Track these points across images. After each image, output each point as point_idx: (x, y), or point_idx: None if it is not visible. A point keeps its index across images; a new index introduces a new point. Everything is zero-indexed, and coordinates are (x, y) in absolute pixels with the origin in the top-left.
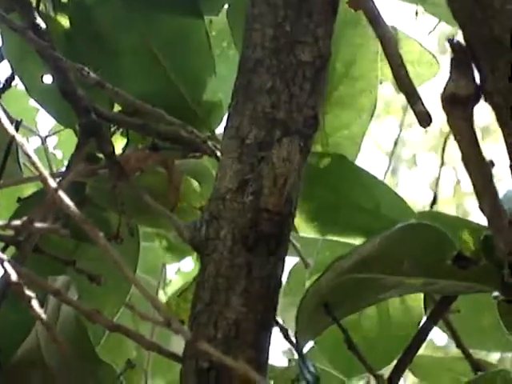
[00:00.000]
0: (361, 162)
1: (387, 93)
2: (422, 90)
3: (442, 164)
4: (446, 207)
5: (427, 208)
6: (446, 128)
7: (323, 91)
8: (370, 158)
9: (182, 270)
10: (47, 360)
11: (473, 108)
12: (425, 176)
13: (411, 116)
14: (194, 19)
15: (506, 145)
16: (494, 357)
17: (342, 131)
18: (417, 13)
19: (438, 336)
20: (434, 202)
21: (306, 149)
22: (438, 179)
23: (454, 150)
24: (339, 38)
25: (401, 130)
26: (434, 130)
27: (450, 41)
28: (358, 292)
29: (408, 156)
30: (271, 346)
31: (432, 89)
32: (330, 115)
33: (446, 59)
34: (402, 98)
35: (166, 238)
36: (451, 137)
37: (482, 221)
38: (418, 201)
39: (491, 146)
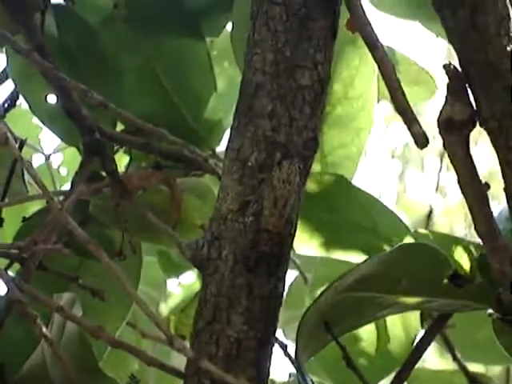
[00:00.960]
0: (370, 166)
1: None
2: (422, 108)
3: (442, 169)
4: (455, 213)
5: (435, 213)
6: None
7: (322, 114)
8: (380, 163)
9: (182, 283)
10: (53, 376)
11: (469, 133)
12: (433, 180)
13: (420, 121)
14: (195, 40)
15: (501, 168)
16: (495, 369)
17: (340, 151)
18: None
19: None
20: (431, 213)
21: (305, 171)
22: (443, 188)
23: None
24: (338, 58)
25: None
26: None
27: (446, 66)
28: (356, 310)
29: (416, 160)
30: (272, 361)
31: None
32: (328, 135)
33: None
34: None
35: (167, 253)
36: None
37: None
38: (426, 205)
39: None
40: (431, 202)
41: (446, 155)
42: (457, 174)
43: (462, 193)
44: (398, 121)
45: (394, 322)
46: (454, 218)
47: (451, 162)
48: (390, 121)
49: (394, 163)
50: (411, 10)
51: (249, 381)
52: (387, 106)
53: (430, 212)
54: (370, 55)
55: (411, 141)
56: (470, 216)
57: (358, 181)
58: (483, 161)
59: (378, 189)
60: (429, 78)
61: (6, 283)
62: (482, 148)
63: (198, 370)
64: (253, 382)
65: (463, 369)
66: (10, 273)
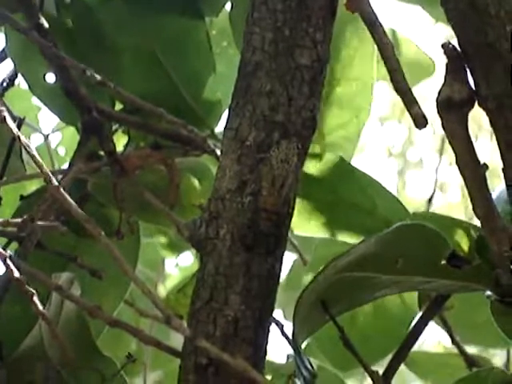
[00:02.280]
0: (369, 163)
1: (395, 95)
2: (418, 90)
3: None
4: (455, 209)
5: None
6: None
7: (321, 94)
8: (378, 160)
9: (180, 265)
10: (50, 354)
11: (467, 112)
12: (433, 177)
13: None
14: (194, 20)
15: (500, 149)
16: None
17: (339, 131)
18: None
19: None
20: (430, 201)
21: (303, 150)
22: (442, 185)
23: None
24: (337, 39)
25: (409, 132)
26: (442, 131)
27: (445, 46)
28: (353, 290)
29: (415, 157)
30: (269, 341)
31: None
32: (327, 115)
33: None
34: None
35: (165, 233)
36: None
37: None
38: (424, 201)
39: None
40: (429, 197)
41: (445, 151)
42: (455, 154)
43: (461, 173)
44: (394, 119)
45: (391, 303)
46: (454, 214)
47: (450, 142)
48: (388, 119)
49: (393, 161)
50: None
51: (246, 360)
52: (383, 107)
53: (430, 200)
54: (369, 36)
55: (410, 138)
56: (470, 212)
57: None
58: (484, 156)
59: None
60: (428, 60)
61: (3, 261)
62: (482, 143)
63: (195, 349)
64: (250, 361)
65: (461, 351)
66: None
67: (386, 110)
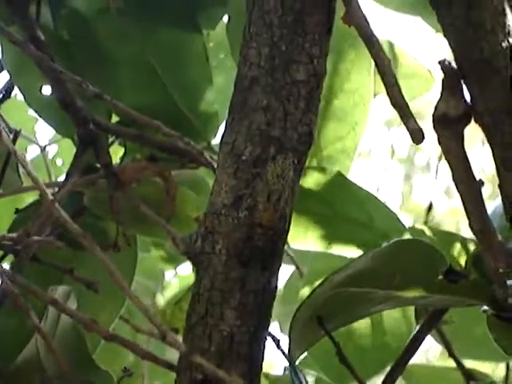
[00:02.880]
0: (375, 168)
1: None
2: (416, 104)
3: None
4: (458, 215)
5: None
6: None
7: (317, 109)
8: (385, 165)
9: (179, 274)
10: (46, 367)
11: (463, 128)
12: (439, 182)
13: (424, 123)
14: (191, 32)
15: (496, 164)
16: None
17: (336, 144)
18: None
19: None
20: (430, 209)
21: (299, 165)
22: (449, 189)
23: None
24: (334, 52)
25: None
26: None
27: (441, 62)
28: (350, 305)
29: (422, 162)
30: (266, 354)
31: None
32: (324, 129)
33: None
34: (415, 105)
35: (162, 246)
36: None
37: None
38: (431, 207)
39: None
40: (432, 201)
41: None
42: (451, 170)
43: (457, 189)
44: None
45: (389, 316)
46: (459, 218)
47: (445, 158)
48: (394, 123)
49: (399, 166)
50: (412, 4)
51: (241, 376)
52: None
53: (429, 208)
54: (366, 50)
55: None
56: None
57: (362, 183)
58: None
59: (384, 191)
60: (426, 72)
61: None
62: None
63: (191, 364)
64: (245, 377)
65: (459, 365)
66: (4, 264)
67: (392, 114)
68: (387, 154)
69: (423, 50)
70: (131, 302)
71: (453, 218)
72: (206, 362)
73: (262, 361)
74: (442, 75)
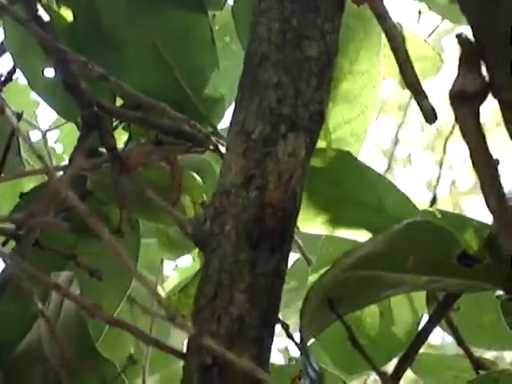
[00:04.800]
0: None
1: (383, 92)
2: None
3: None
4: (443, 206)
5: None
6: (443, 127)
7: (329, 86)
8: (367, 157)
9: (179, 267)
10: (49, 356)
11: (480, 104)
12: (420, 175)
13: (407, 115)
14: (197, 14)
15: None
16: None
17: (346, 127)
18: (420, 12)
19: (433, 335)
20: (434, 201)
21: (311, 144)
22: (438, 179)
23: (450, 149)
24: (342, 32)
25: (397, 129)
26: (431, 128)
27: (459, 36)
28: (361, 289)
29: (404, 155)
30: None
31: (433, 85)
32: (333, 111)
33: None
34: (398, 97)
35: (165, 234)
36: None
37: (483, 219)
38: (413, 199)
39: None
40: (426, 196)
41: (433, 149)
42: (468, 147)
43: (474, 167)
44: (388, 114)
45: (398, 304)
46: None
47: (462, 135)
48: (377, 116)
49: (381, 158)
50: None
51: (251, 359)
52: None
53: (433, 200)
54: (375, 30)
55: (399, 135)
56: (458, 209)
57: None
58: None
59: None
60: (435, 54)
61: (2, 259)
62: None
63: (199, 349)
64: (255, 360)
65: (468, 353)
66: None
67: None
68: (369, 146)
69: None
70: (135, 289)
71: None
72: (215, 345)
73: (272, 344)
74: (459, 50)
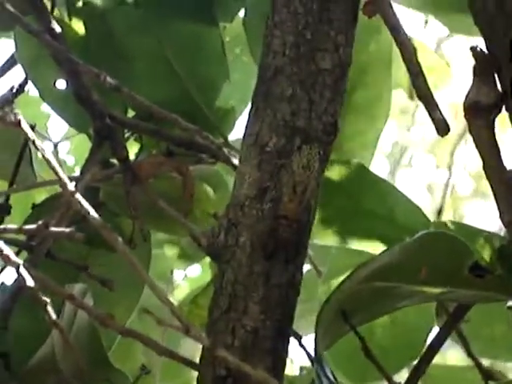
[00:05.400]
0: None
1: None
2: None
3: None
4: (443, 211)
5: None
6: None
7: (343, 99)
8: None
9: (189, 276)
10: (62, 367)
11: (495, 117)
12: (422, 178)
13: (409, 119)
14: (208, 26)
15: None
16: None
17: (357, 138)
18: (426, 21)
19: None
20: (441, 211)
21: (325, 156)
22: (446, 186)
23: (450, 153)
24: (354, 44)
25: (399, 133)
26: (432, 133)
27: (473, 49)
28: (375, 301)
29: (405, 158)
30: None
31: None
32: (344, 122)
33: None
34: (399, 101)
35: (176, 244)
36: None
37: (487, 227)
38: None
39: None
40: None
41: (436, 153)
42: (482, 159)
43: (487, 178)
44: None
45: (409, 315)
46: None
47: (476, 146)
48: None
49: (383, 161)
50: (426, 2)
51: (266, 370)
52: None
53: (440, 211)
54: (386, 41)
55: (401, 139)
56: (459, 214)
57: None
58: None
59: None
60: (445, 66)
61: (16, 270)
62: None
63: (214, 360)
64: (270, 372)
65: (478, 364)
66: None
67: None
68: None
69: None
70: (146, 301)
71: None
72: (230, 357)
73: (287, 356)
74: (473, 62)
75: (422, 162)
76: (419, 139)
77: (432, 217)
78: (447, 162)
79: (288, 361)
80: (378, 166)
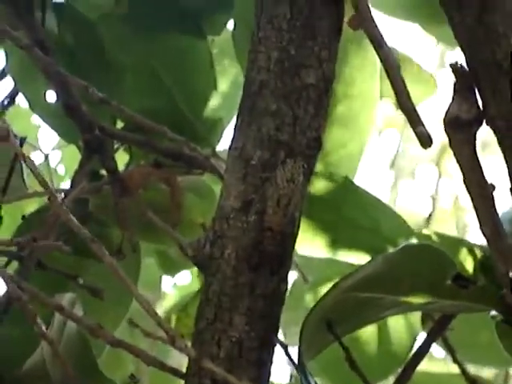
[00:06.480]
0: (361, 175)
1: (389, 105)
2: (420, 108)
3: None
4: (446, 220)
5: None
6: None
7: (326, 113)
8: (371, 171)
9: (177, 284)
10: (52, 375)
11: (475, 132)
12: (425, 188)
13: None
14: (196, 38)
15: (507, 167)
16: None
17: (341, 150)
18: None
19: (435, 348)
20: (430, 218)
21: (309, 170)
22: (434, 195)
23: (453, 163)
24: (339, 58)
25: (401, 143)
26: (435, 142)
27: (453, 65)
28: (359, 310)
29: (408, 168)
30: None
31: (432, 104)
32: (329, 134)
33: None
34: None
35: (163, 253)
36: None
37: (480, 239)
38: (418, 213)
39: (490, 159)
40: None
41: (440, 162)
42: (462, 173)
43: (468, 192)
44: (392, 127)
45: (394, 324)
46: (445, 225)
47: (457, 161)
48: (382, 130)
49: (387, 172)
50: (410, 11)
51: (251, 381)
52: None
53: (429, 216)
54: (371, 54)
55: (403, 149)
56: (462, 222)
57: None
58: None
59: None
60: (430, 78)
61: (5, 281)
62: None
63: (199, 370)
64: (255, 383)
65: (463, 371)
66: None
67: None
68: (374, 160)
69: (423, 56)
70: (134, 310)
71: (439, 224)
72: (216, 368)
73: (271, 366)
74: (453, 78)
75: (425, 172)
76: (420, 149)
77: (434, 227)
78: (450, 173)
79: (279, 369)
80: (382, 177)
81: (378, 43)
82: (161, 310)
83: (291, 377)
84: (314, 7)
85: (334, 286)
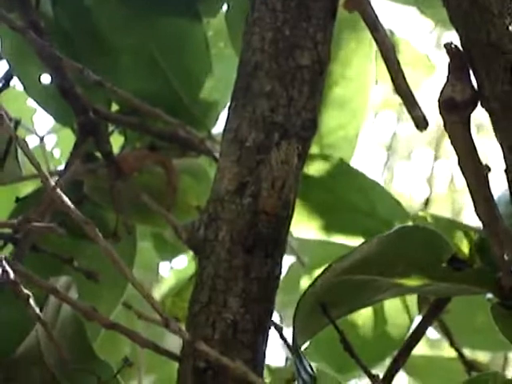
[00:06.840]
0: (357, 156)
1: (385, 87)
2: (418, 91)
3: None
4: (441, 202)
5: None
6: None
7: (321, 95)
8: (367, 153)
9: (174, 268)
10: (46, 358)
11: (470, 113)
12: (420, 171)
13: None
14: (192, 21)
15: (502, 149)
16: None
17: (338, 132)
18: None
19: (431, 331)
20: (428, 201)
21: (303, 152)
22: (430, 177)
23: (449, 145)
24: (335, 40)
25: (398, 125)
26: (431, 125)
27: (448, 45)
28: (354, 293)
29: (404, 151)
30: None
31: (429, 86)
32: (325, 116)
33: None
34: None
35: (160, 236)
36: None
37: (476, 221)
38: (413, 195)
39: (485, 141)
40: (426, 192)
41: (436, 145)
42: (457, 155)
43: (463, 175)
44: (388, 109)
45: (391, 306)
46: (440, 207)
47: (451, 143)
48: (377, 111)
49: (382, 153)
50: None
51: (245, 363)
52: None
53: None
54: (367, 36)
55: (399, 131)
56: (458, 206)
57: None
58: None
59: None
60: (427, 61)
61: None
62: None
63: (194, 353)
64: (249, 365)
65: (460, 355)
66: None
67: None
68: (369, 142)
69: (420, 41)
70: (130, 293)
71: (434, 207)
72: (210, 350)
73: (266, 349)
74: (448, 59)
75: (421, 154)
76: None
77: (430, 210)
78: (446, 154)
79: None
80: (377, 158)
81: (373, 25)
82: (158, 293)
83: (287, 359)
84: None
85: (327, 268)
